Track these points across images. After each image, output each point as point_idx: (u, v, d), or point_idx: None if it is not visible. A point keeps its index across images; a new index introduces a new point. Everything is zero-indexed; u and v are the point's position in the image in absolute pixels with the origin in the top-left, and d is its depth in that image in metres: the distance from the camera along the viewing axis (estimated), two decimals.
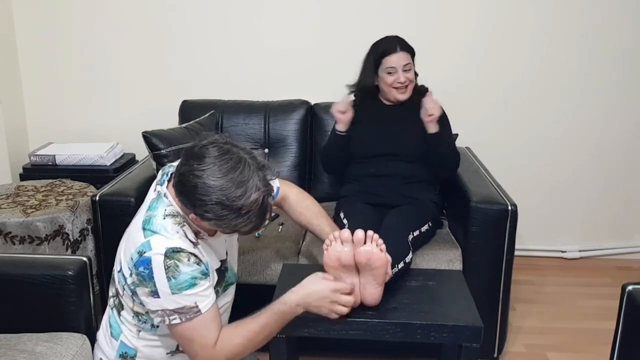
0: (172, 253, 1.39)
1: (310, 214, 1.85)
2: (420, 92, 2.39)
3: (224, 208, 1.33)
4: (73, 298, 1.65)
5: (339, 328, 1.62)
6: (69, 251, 2.36)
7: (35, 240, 2.28)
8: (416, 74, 2.35)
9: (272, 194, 1.41)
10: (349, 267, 1.59)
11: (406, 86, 2.28)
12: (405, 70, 2.26)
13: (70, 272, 1.64)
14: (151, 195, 1.53)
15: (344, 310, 1.55)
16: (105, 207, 2.18)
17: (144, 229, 1.44)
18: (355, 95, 2.40)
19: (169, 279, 1.38)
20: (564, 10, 2.84)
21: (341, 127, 2.30)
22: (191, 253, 1.42)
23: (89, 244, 2.45)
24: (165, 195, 1.47)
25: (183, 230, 1.44)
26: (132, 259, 1.42)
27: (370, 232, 1.59)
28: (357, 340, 1.68)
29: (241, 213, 1.34)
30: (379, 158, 2.30)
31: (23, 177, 2.85)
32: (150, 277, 1.39)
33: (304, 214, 1.85)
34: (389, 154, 2.29)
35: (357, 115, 2.34)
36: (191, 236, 1.46)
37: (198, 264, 1.42)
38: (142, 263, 1.40)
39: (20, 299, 1.66)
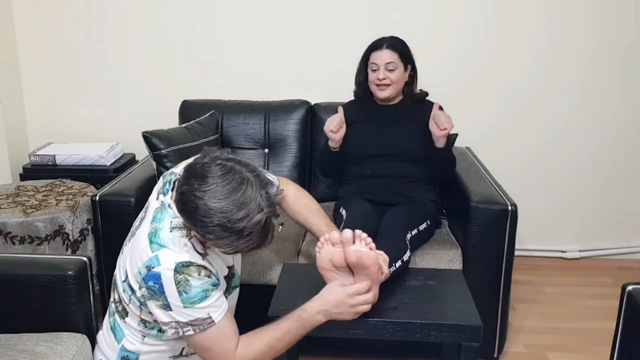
0: (181, 268, 1.38)
1: (308, 213, 1.84)
2: (417, 96, 2.37)
3: (225, 230, 1.31)
4: (73, 298, 1.64)
5: (339, 328, 1.62)
6: (69, 251, 2.36)
7: (35, 240, 2.28)
8: (413, 75, 2.34)
9: (276, 214, 1.38)
10: (342, 268, 1.58)
11: (387, 85, 2.26)
12: (389, 70, 2.24)
13: (70, 272, 1.64)
14: (154, 204, 1.50)
15: (366, 308, 1.55)
16: (105, 207, 2.17)
17: (150, 241, 1.42)
18: (355, 93, 2.41)
19: (180, 293, 1.37)
20: (564, 9, 2.84)
21: (334, 145, 2.28)
22: (200, 266, 1.40)
23: (89, 244, 2.45)
24: (169, 205, 1.45)
25: (191, 242, 1.43)
26: (140, 272, 1.41)
27: (358, 232, 1.57)
28: (357, 340, 1.68)
29: (243, 235, 1.32)
30: (375, 158, 2.30)
31: (23, 177, 2.85)
32: (161, 291, 1.38)
33: (301, 212, 1.84)
34: (384, 154, 2.29)
35: (353, 115, 2.34)
36: (199, 248, 1.44)
37: (208, 276, 1.41)
38: (152, 278, 1.38)
39: (20, 299, 1.65)
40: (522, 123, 2.99)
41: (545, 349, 2.38)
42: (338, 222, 2.07)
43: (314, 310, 1.50)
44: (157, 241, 1.41)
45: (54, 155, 2.84)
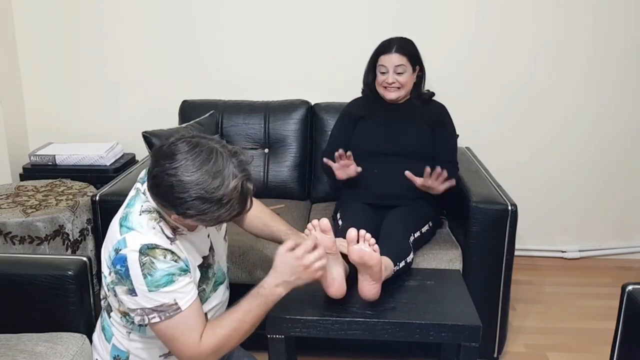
0: (146, 250, 1.36)
1: (265, 216, 1.78)
2: (424, 96, 2.37)
3: (205, 202, 1.30)
4: (73, 298, 1.65)
5: (338, 328, 1.63)
6: (69, 251, 2.36)
7: (35, 240, 2.29)
8: (421, 76, 2.34)
9: (251, 178, 1.37)
10: (331, 254, 1.58)
11: (396, 87, 2.28)
12: (398, 73, 2.25)
13: (70, 272, 1.64)
14: (131, 193, 1.52)
15: (322, 264, 1.52)
16: (105, 207, 2.17)
17: (120, 225, 1.42)
18: (362, 91, 2.43)
19: (144, 276, 1.36)
20: (564, 9, 2.84)
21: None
22: (167, 249, 1.39)
23: (89, 244, 2.45)
24: (144, 192, 1.45)
25: (160, 226, 1.42)
26: (110, 256, 1.41)
27: (362, 232, 1.59)
28: (356, 340, 1.68)
29: (222, 203, 1.32)
30: (382, 156, 2.28)
31: (23, 177, 2.85)
32: (127, 275, 1.36)
33: (259, 217, 1.77)
34: (391, 152, 2.28)
35: (361, 111, 2.36)
36: (168, 232, 1.43)
37: (175, 261, 1.39)
38: (119, 261, 1.37)
39: (20, 299, 1.65)
40: (522, 123, 2.99)
41: (545, 349, 2.38)
42: (333, 226, 2.06)
43: (272, 285, 1.49)
44: (126, 224, 1.41)
45: (54, 155, 2.84)
